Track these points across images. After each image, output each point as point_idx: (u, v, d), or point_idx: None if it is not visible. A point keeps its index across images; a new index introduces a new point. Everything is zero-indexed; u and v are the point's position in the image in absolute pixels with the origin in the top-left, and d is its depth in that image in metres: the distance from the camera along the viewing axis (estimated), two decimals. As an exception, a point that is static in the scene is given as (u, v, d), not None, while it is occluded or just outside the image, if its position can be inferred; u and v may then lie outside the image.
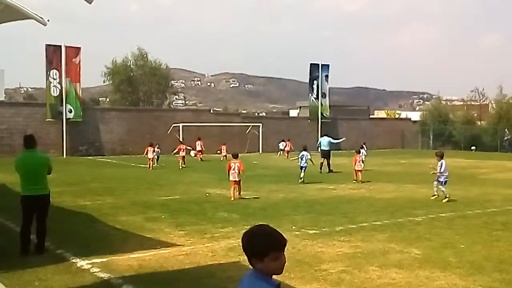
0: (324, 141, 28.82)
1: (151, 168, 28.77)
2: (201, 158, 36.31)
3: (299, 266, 8.56)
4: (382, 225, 12.31)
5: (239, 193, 16.58)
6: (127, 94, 65.34)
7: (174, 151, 32.61)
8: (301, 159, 21.81)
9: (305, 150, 22.52)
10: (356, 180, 22.23)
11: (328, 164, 27.54)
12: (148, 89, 67.40)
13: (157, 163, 31.17)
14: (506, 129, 53.10)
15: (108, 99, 74.32)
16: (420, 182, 21.57)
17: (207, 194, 17.82)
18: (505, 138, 52.89)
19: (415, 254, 9.47)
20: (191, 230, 11.59)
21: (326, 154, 28.10)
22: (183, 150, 31.73)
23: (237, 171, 16.41)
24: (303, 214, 13.85)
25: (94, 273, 8.15)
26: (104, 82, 68.12)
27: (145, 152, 30.20)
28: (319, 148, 29.37)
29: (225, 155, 36.66)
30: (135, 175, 25.74)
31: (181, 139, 39.05)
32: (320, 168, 26.83)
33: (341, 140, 33.02)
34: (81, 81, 42.40)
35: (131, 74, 64.85)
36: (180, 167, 29.66)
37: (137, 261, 8.84)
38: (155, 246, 9.94)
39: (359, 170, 22.43)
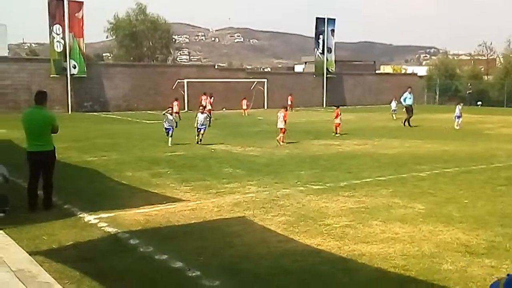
0: (408, 96, 28.77)
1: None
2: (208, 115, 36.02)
3: (303, 221, 8.65)
4: (386, 181, 12.37)
5: (282, 140, 19.38)
6: (131, 50, 64.74)
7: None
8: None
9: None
10: (334, 133, 23.08)
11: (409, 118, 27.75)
12: (151, 44, 66.75)
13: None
14: (469, 84, 53.52)
15: (112, 55, 73.69)
16: (425, 138, 21.56)
17: (212, 150, 17.90)
18: (468, 92, 53.21)
19: (419, 209, 9.55)
20: (196, 185, 11.69)
21: (409, 109, 28.16)
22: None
23: (282, 119, 19.55)
24: (308, 169, 13.91)
25: (102, 228, 8.27)
26: (107, 37, 67.44)
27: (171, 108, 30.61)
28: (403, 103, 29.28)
29: (245, 109, 37.52)
30: (140, 131, 25.81)
31: (185, 95, 39.07)
32: (405, 122, 27.50)
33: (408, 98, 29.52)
34: (84, 36, 42.06)
35: (134, 29, 64.08)
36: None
37: (143, 216, 8.95)
38: (161, 201, 10.05)
39: (338, 124, 23.38)
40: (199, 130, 19.49)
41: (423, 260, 6.73)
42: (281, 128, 19.83)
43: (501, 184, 12.00)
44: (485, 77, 61.88)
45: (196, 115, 19.82)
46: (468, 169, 14.09)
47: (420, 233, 7.99)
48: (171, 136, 19.11)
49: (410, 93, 29.09)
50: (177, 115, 35.47)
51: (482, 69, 65.78)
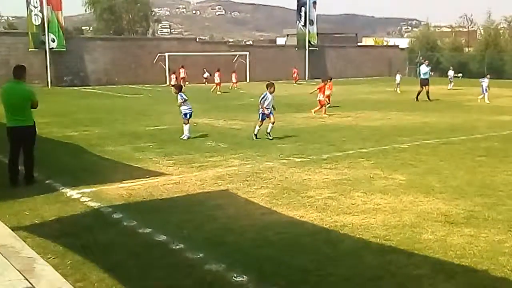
0: (424, 69, 27.75)
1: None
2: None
3: (286, 194, 8.72)
4: (368, 152, 12.47)
5: (316, 110, 20.20)
6: (110, 23, 63.81)
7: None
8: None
9: None
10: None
11: (427, 92, 26.91)
12: (131, 17, 65.78)
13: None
14: (422, 56, 54.25)
15: (91, 28, 72.55)
16: (406, 110, 21.71)
17: (195, 124, 17.81)
18: (421, 61, 53.80)
19: (400, 180, 9.66)
20: (179, 159, 11.68)
21: (425, 82, 27.25)
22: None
23: (319, 92, 20.55)
24: (291, 142, 13.96)
25: (84, 202, 8.26)
26: (86, 10, 66.32)
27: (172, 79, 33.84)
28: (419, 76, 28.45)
29: (235, 83, 37.08)
30: (121, 105, 25.60)
31: (167, 69, 38.85)
32: (417, 97, 26.69)
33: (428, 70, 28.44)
34: (63, 9, 41.23)
35: (113, 1, 63.03)
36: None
37: (126, 190, 8.94)
38: (144, 176, 10.03)
39: (327, 96, 22.93)
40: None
41: (404, 230, 6.84)
42: (319, 100, 20.42)
43: (481, 154, 12.17)
44: (466, 49, 62.16)
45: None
46: (448, 140, 14.26)
47: (401, 203, 8.11)
48: (188, 123, 14.81)
49: (427, 65, 28.10)
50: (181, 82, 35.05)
51: (463, 41, 66.02)
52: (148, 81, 41.99)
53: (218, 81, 34.37)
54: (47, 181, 9.63)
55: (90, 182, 9.43)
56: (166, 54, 42.61)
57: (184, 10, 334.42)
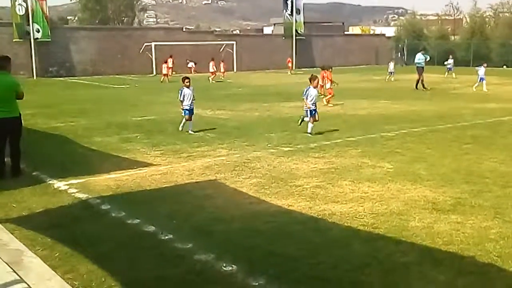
0: (419, 57, 27.62)
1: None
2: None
3: (274, 183, 8.73)
4: (355, 141, 12.51)
5: (328, 100, 19.93)
6: (95, 13, 63.22)
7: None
8: None
9: None
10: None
11: (421, 80, 26.78)
12: (116, 7, 65.20)
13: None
14: (400, 45, 54.69)
15: (76, 18, 71.81)
16: (393, 98, 21.79)
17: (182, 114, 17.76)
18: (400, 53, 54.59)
19: (387, 168, 9.72)
20: (167, 149, 11.65)
21: (420, 71, 27.15)
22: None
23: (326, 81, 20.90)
24: (278, 132, 13.97)
25: (72, 194, 8.21)
26: (70, 0, 65.61)
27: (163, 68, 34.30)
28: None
29: (223, 72, 37.12)
30: (108, 96, 25.45)
31: (153, 58, 38.74)
32: (416, 86, 26.63)
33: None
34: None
35: (98, -10, 62.53)
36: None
37: (114, 181, 8.90)
38: (131, 166, 9.99)
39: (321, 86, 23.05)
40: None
41: (392, 218, 6.88)
42: (327, 89, 20.40)
43: (467, 142, 12.26)
44: (452, 37, 62.44)
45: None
46: (435, 128, 14.34)
47: (388, 191, 8.16)
48: (190, 121, 13.92)
49: (423, 54, 28.06)
50: (165, 77, 35.15)
51: (449, 29, 66.36)
52: (135, 71, 41.78)
53: (213, 70, 35.07)
54: (34, 173, 9.57)
55: (78, 173, 9.38)
56: (153, 43, 42.37)
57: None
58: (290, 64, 45.54)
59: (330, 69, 21.20)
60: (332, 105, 19.69)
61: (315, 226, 6.67)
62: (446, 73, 35.72)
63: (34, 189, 8.49)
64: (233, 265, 5.47)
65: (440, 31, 61.33)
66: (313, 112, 13.37)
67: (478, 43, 52.91)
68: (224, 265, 5.48)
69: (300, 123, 13.73)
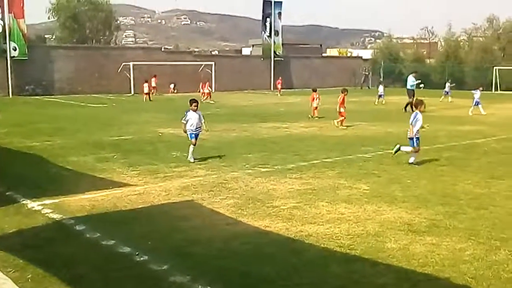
0: (411, 80, 27.92)
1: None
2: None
3: (252, 203, 8.72)
4: (332, 162, 12.58)
5: (340, 122, 19.99)
6: (73, 31, 62.85)
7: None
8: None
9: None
10: (311, 116, 23.10)
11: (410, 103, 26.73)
12: (94, 26, 65.00)
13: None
14: (364, 67, 55.56)
15: (54, 37, 71.33)
16: (370, 120, 22.00)
17: (160, 134, 17.72)
18: (363, 73, 56.20)
19: (364, 189, 9.78)
20: (143, 170, 11.56)
21: (411, 94, 27.27)
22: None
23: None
24: (256, 152, 13.98)
25: (46, 214, 8.08)
26: (49, 18, 65.23)
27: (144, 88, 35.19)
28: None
29: (209, 93, 36.32)
30: (85, 115, 25.25)
31: (131, 78, 38.73)
32: (405, 108, 26.32)
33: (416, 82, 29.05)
34: (25, 17, 40.56)
35: (76, 10, 62.17)
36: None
37: (89, 202, 8.79)
38: (107, 186, 9.89)
39: (315, 108, 23.52)
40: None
41: (368, 239, 6.91)
42: (339, 112, 20.15)
43: (442, 164, 12.42)
44: (427, 60, 63.61)
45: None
46: (411, 150, 14.46)
47: (365, 213, 8.20)
48: (194, 146, 12.62)
49: (414, 77, 28.41)
50: (146, 96, 35.10)
51: (425, 52, 67.61)
52: (113, 91, 41.59)
53: (208, 91, 35.28)
54: (7, 193, 9.39)
55: (52, 193, 9.24)
56: (131, 63, 42.28)
57: (149, 19, 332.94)
58: (279, 86, 44.80)
59: (346, 92, 20.90)
60: (345, 127, 19.76)
61: (292, 248, 6.66)
62: (443, 96, 35.35)
63: (7, 209, 8.33)
64: (208, 287, 5.42)
65: (416, 54, 62.59)
66: (417, 140, 12.36)
67: (453, 66, 53.93)
68: (200, 287, 5.43)
69: (395, 153, 12.72)
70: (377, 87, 35.62)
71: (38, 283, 5.47)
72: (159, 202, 8.94)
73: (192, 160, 12.41)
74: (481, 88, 27.30)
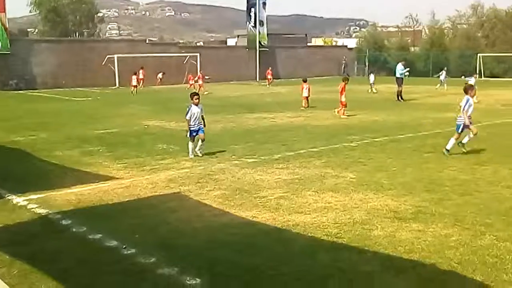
0: (400, 69, 27.72)
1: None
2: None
3: (239, 194, 8.73)
4: (319, 151, 12.61)
5: (342, 113, 19.85)
6: (56, 25, 62.22)
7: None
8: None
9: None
10: (304, 107, 23.21)
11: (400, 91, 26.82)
12: (77, 19, 64.37)
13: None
14: (344, 56, 56.38)
15: (37, 30, 70.60)
16: (355, 109, 22.05)
17: (145, 126, 17.65)
18: (343, 64, 56.07)
19: (350, 178, 9.82)
20: (130, 163, 11.52)
21: (400, 82, 27.18)
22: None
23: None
24: (243, 143, 13.97)
25: (32, 209, 8.03)
26: (30, 12, 64.53)
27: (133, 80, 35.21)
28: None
29: (200, 84, 35.40)
30: (69, 109, 25.05)
31: (116, 71, 38.47)
32: (398, 97, 26.56)
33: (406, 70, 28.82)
34: (6, 11, 40.00)
35: (58, 2, 61.51)
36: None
37: (75, 196, 8.75)
38: (93, 180, 9.84)
39: (306, 97, 23.59)
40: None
41: (355, 227, 6.95)
42: (341, 102, 20.12)
43: (428, 151, 12.50)
44: (412, 48, 63.83)
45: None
46: (396, 138, 14.58)
47: (351, 201, 8.24)
48: (202, 140, 12.12)
49: (403, 65, 28.24)
50: (135, 88, 34.88)
51: (409, 40, 67.80)
52: (97, 84, 41.21)
53: (201, 82, 34.82)
54: (-8, 189, 9.32)
55: (38, 188, 9.18)
56: (115, 56, 41.94)
57: (133, 11, 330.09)
58: (269, 76, 43.29)
59: (347, 81, 21.07)
60: (347, 116, 19.76)
61: (279, 237, 6.68)
62: (439, 84, 35.30)
63: (-8, 205, 8.27)
64: (197, 279, 5.43)
65: (400, 42, 62.70)
66: (467, 126, 11.70)
67: (437, 54, 54.18)
68: (188, 278, 5.44)
69: (462, 146, 11.93)
70: (368, 76, 35.49)
71: (24, 279, 5.44)
72: (146, 195, 8.92)
73: (191, 156, 11.91)
74: (475, 75, 27.05)
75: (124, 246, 6.34)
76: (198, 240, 6.58)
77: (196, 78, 36.66)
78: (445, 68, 38.03)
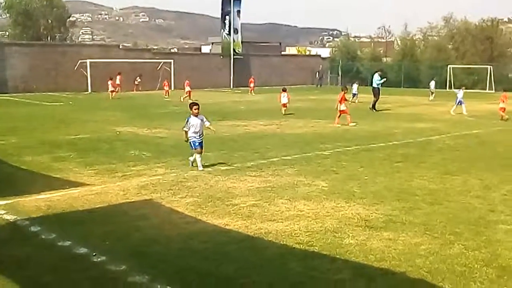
0: (376, 79, 27.86)
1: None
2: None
3: (211, 202, 8.70)
4: (291, 160, 12.66)
5: (338, 121, 19.97)
6: (27, 28, 61.24)
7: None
8: None
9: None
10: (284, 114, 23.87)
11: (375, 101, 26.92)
12: (49, 23, 63.49)
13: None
14: (320, 66, 57.22)
15: (7, 33, 69.37)
16: (328, 118, 22.21)
17: (118, 133, 17.48)
18: (318, 73, 56.30)
19: (322, 186, 9.88)
20: (101, 169, 11.39)
21: (376, 92, 27.25)
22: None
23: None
24: (215, 151, 13.93)
25: (-1, 216, 7.88)
26: (0, 15, 63.44)
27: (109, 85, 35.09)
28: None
29: (189, 92, 34.42)
30: (40, 113, 24.66)
31: (88, 76, 38.08)
32: (373, 106, 26.63)
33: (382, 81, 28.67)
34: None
35: (29, 5, 60.60)
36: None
37: (45, 202, 8.61)
38: (63, 186, 9.70)
39: (284, 104, 24.40)
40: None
41: (326, 236, 6.99)
42: (340, 110, 20.15)
43: (398, 161, 12.66)
44: (384, 59, 64.70)
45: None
46: (368, 147, 14.73)
47: (323, 209, 8.29)
48: (200, 154, 11.55)
49: (379, 75, 28.32)
50: (111, 94, 34.56)
51: (381, 51, 68.74)
52: (69, 89, 40.72)
53: (189, 89, 34.33)
54: (-42, 194, 9.12)
55: (6, 194, 9.00)
56: (88, 61, 41.52)
57: (107, 16, 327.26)
58: (252, 85, 42.82)
59: (346, 90, 21.25)
60: (354, 123, 19.81)
61: (251, 245, 6.68)
62: (431, 95, 35.73)
63: (-42, 211, 8.08)
64: (168, 287, 5.38)
65: (373, 53, 63.52)
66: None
67: (409, 65, 55.01)
68: (159, 286, 5.39)
69: None
70: (351, 85, 35.30)
71: (-9, 287, 5.32)
72: (117, 201, 8.83)
73: (201, 168, 11.31)
74: (463, 88, 27.25)
75: (94, 254, 6.26)
76: (170, 248, 6.54)
77: (186, 86, 35.14)
78: (434, 79, 38.64)
